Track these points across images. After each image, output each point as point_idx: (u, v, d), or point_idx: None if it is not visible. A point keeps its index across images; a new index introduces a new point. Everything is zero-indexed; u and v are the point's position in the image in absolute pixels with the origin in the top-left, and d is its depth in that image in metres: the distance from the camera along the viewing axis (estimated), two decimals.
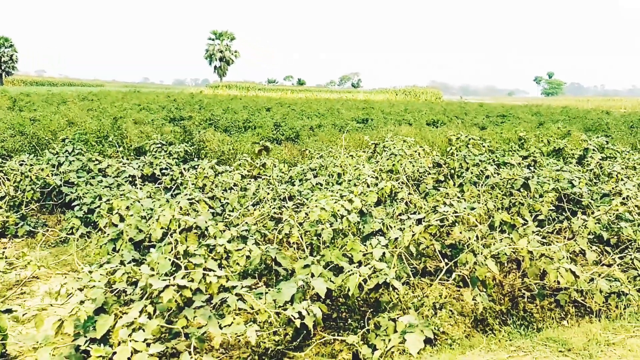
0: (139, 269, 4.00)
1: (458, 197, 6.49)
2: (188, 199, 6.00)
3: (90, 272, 4.12)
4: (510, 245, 5.02)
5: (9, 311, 4.13)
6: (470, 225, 5.40)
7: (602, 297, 4.96)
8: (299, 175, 8.77)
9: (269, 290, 4.37)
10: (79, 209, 7.34)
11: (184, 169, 8.91)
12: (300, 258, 5.38)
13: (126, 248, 5.21)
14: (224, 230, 5.20)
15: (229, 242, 4.83)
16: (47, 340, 3.69)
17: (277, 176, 8.60)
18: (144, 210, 5.72)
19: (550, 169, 8.38)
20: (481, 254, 4.91)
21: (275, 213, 6.49)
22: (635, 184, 7.41)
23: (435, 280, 5.33)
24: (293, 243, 6.07)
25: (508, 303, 5.31)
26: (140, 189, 7.51)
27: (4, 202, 7.92)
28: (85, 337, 3.78)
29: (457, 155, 9.04)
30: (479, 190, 7.32)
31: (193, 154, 11.99)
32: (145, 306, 3.74)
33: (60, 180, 8.53)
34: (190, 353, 3.67)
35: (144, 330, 3.55)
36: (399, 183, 7.50)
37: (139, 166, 9.28)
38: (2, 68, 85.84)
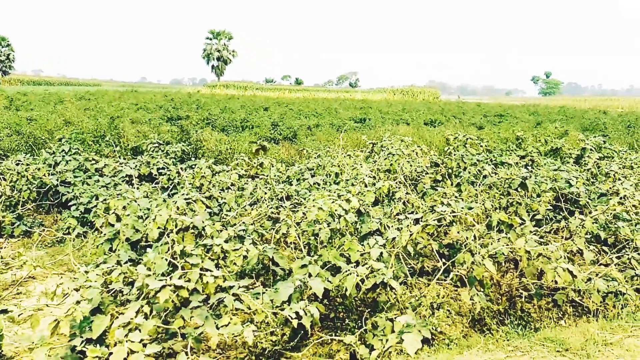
0: (136, 269, 3.98)
1: (456, 197, 6.49)
2: (185, 199, 5.98)
3: (87, 272, 4.10)
4: (507, 245, 5.01)
5: (4, 311, 4.11)
6: (468, 224, 5.39)
7: (599, 296, 4.95)
8: (296, 174, 8.76)
9: (266, 290, 4.36)
10: (76, 209, 7.31)
11: (181, 168, 8.89)
12: (297, 258, 5.37)
13: (123, 248, 5.19)
14: (221, 230, 5.19)
15: (226, 242, 4.81)
16: (43, 341, 3.67)
17: (275, 176, 8.59)
18: (140, 210, 5.70)
19: (547, 169, 8.38)
20: (479, 253, 4.91)
21: (272, 213, 6.47)
22: (633, 184, 7.42)
23: (432, 280, 5.33)
24: (290, 243, 6.06)
25: (505, 303, 5.31)
26: (137, 188, 7.48)
27: (0, 202, 7.89)
28: (82, 337, 3.76)
29: (454, 154, 9.04)
30: (476, 190, 7.31)
31: (190, 153, 11.96)
32: (142, 306, 3.72)
33: (57, 179, 8.50)
34: (187, 353, 3.66)
35: (140, 330, 3.53)
36: (396, 183, 7.49)
37: (136, 166, 9.26)
38: None
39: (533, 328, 4.82)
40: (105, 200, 6.52)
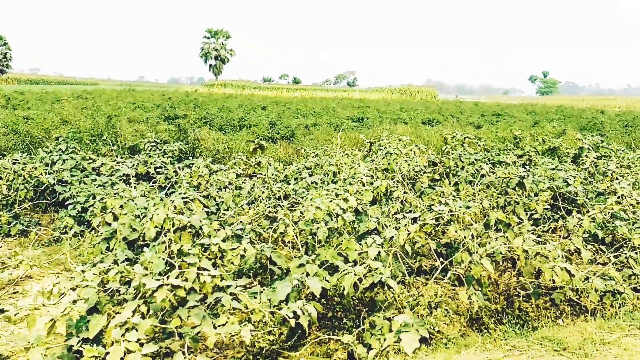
0: (133, 269, 3.96)
1: (453, 196, 6.48)
2: (182, 198, 5.97)
3: (83, 271, 4.08)
4: (505, 244, 5.01)
5: (1, 311, 4.09)
6: (466, 224, 5.39)
7: (597, 295, 4.96)
8: (294, 174, 8.75)
9: (263, 289, 4.35)
10: (73, 208, 7.28)
11: (179, 167, 8.86)
12: (295, 257, 5.36)
13: (120, 247, 5.17)
14: (219, 229, 5.17)
15: (223, 241, 4.80)
16: (39, 341, 3.66)
17: (272, 175, 8.57)
18: (137, 209, 5.68)
19: (545, 168, 8.38)
20: (476, 252, 4.90)
21: (270, 212, 6.46)
22: (630, 183, 7.43)
23: (430, 279, 5.32)
24: (288, 242, 6.05)
25: (503, 302, 5.31)
26: (135, 187, 7.46)
27: None
28: (78, 337, 3.75)
29: (452, 154, 9.03)
30: (474, 189, 7.31)
31: (188, 152, 11.94)
32: (139, 306, 3.71)
33: (54, 179, 8.48)
34: (184, 353, 3.65)
35: (137, 330, 3.52)
36: (394, 182, 7.49)
37: (133, 165, 9.23)
38: None
39: (531, 327, 4.82)
40: (102, 199, 6.50)
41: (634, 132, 18.92)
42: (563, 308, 5.18)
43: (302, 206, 5.82)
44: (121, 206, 5.87)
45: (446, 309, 4.94)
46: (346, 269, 4.53)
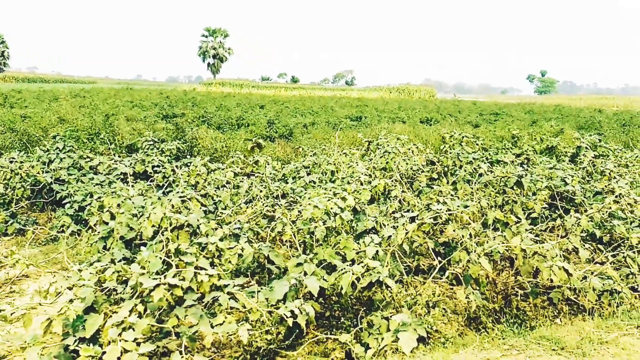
0: (130, 268, 3.95)
1: (451, 195, 6.48)
2: (180, 197, 5.95)
3: (80, 270, 4.07)
4: (503, 243, 5.01)
5: None
6: (464, 223, 5.38)
7: (595, 295, 4.95)
8: (292, 173, 8.73)
9: (261, 288, 4.33)
10: (70, 207, 7.26)
11: (176, 166, 8.85)
12: (293, 256, 5.35)
13: (117, 246, 5.15)
14: (216, 228, 5.16)
15: (221, 240, 4.78)
16: (36, 340, 3.64)
17: (270, 174, 8.56)
18: (135, 208, 5.66)
19: (543, 167, 8.38)
20: (474, 252, 4.90)
21: (268, 211, 6.45)
22: (628, 182, 7.43)
23: (428, 278, 5.32)
24: (286, 241, 6.04)
25: (501, 301, 5.30)
26: (132, 186, 7.44)
27: None
28: (75, 336, 3.73)
29: (450, 153, 9.03)
30: (472, 188, 7.31)
31: (185, 151, 11.92)
32: (136, 305, 3.69)
33: (51, 177, 8.45)
34: (181, 352, 3.63)
35: (134, 329, 3.51)
36: (392, 181, 7.48)
37: (131, 163, 9.21)
38: None
39: (529, 326, 4.82)
40: (99, 198, 6.48)
41: (632, 131, 18.95)
42: (561, 307, 5.18)
43: (300, 205, 5.81)
44: (118, 205, 5.84)
45: (444, 308, 4.94)
46: (344, 268, 4.52)
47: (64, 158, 9.10)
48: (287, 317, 3.95)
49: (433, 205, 5.39)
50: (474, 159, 8.73)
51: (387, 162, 8.71)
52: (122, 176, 8.65)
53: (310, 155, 9.77)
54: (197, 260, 4.08)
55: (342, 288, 4.40)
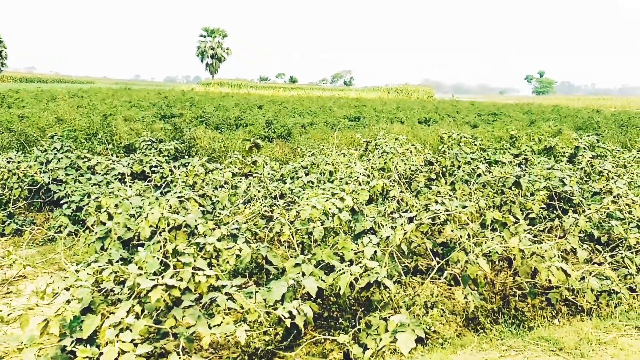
0: (127, 268, 3.94)
1: (450, 195, 6.48)
2: (178, 197, 5.94)
3: (78, 271, 4.05)
4: (501, 243, 5.00)
5: None
6: (462, 223, 5.38)
7: (593, 295, 4.95)
8: (290, 173, 8.72)
9: (259, 289, 4.32)
10: (67, 207, 7.24)
11: (174, 166, 8.83)
12: (291, 257, 5.34)
13: (114, 247, 5.14)
14: (214, 229, 5.14)
15: (218, 240, 4.77)
16: (33, 341, 3.62)
17: (269, 174, 8.55)
18: (132, 208, 5.65)
19: (541, 168, 8.38)
20: (473, 252, 4.89)
21: (266, 211, 6.43)
22: (626, 182, 7.43)
23: (426, 279, 5.31)
24: (284, 241, 6.03)
25: (499, 302, 5.30)
26: (130, 186, 7.42)
27: None
28: (72, 337, 3.72)
29: (448, 153, 9.03)
30: (470, 189, 7.30)
31: (183, 151, 11.90)
32: (133, 306, 3.68)
33: (49, 177, 8.43)
34: (178, 353, 3.62)
35: (131, 330, 3.49)
36: (390, 181, 7.48)
37: (129, 164, 9.19)
38: None
39: (527, 327, 4.81)
40: (97, 198, 6.46)
41: (630, 132, 18.98)
42: (559, 308, 5.17)
43: (298, 205, 5.80)
44: (116, 205, 5.83)
45: (442, 309, 4.93)
46: (342, 269, 4.51)
47: (62, 158, 9.08)
48: (285, 317, 3.94)
49: (431, 206, 5.39)
50: (472, 159, 8.73)
51: (385, 163, 8.71)
52: (119, 176, 8.63)
53: (309, 156, 9.76)
54: (194, 260, 4.06)
55: (340, 289, 4.39)
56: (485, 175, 7.69)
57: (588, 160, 9.27)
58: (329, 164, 8.62)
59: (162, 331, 3.83)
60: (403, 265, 5.70)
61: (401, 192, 7.19)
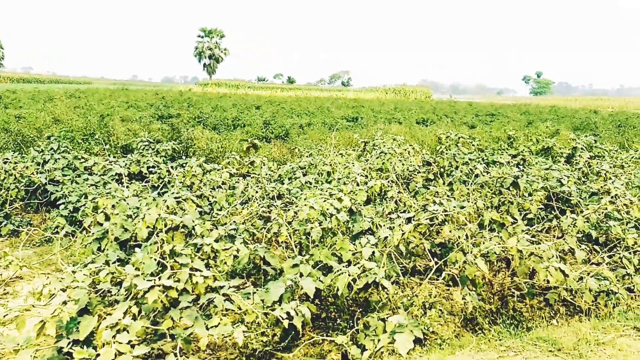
0: (124, 269, 3.92)
1: (448, 196, 6.47)
2: (175, 198, 5.92)
3: (74, 272, 4.03)
4: (499, 244, 5.00)
5: None
6: (460, 224, 5.37)
7: (591, 296, 4.95)
8: (288, 173, 8.71)
9: (257, 290, 4.31)
10: (64, 208, 7.21)
11: (172, 167, 8.81)
12: (289, 257, 5.33)
13: (111, 247, 5.12)
14: (212, 230, 5.13)
15: (216, 241, 4.76)
16: (29, 342, 3.61)
17: (266, 174, 8.53)
18: (130, 209, 5.63)
19: (539, 168, 8.39)
20: (471, 252, 4.89)
21: (263, 212, 6.42)
22: (624, 183, 7.44)
23: (424, 279, 5.30)
24: (282, 242, 6.01)
25: (498, 302, 5.30)
26: (127, 187, 7.40)
27: None
28: (68, 338, 3.70)
29: (446, 153, 9.03)
30: (468, 189, 7.30)
31: (181, 152, 11.88)
32: (130, 307, 3.66)
33: (45, 178, 8.39)
34: (176, 354, 3.61)
35: (128, 331, 3.48)
36: (388, 182, 7.47)
37: (126, 164, 9.17)
38: None
39: (525, 327, 4.81)
40: (94, 199, 6.43)
41: (627, 132, 19.03)
42: (557, 308, 5.17)
43: (296, 206, 5.79)
44: (113, 206, 5.81)
45: (440, 310, 4.92)
46: (340, 270, 4.50)
47: (59, 159, 9.05)
48: (282, 318, 3.92)
49: (429, 206, 5.38)
50: (470, 159, 8.73)
51: (383, 163, 8.71)
52: (116, 177, 8.60)
53: (306, 156, 9.74)
54: (192, 261, 4.05)
55: (338, 289, 4.38)
56: (483, 175, 7.69)
57: (586, 161, 9.28)
58: (326, 164, 8.61)
59: (159, 332, 3.81)
60: (401, 265, 5.69)
61: (399, 192, 7.18)
